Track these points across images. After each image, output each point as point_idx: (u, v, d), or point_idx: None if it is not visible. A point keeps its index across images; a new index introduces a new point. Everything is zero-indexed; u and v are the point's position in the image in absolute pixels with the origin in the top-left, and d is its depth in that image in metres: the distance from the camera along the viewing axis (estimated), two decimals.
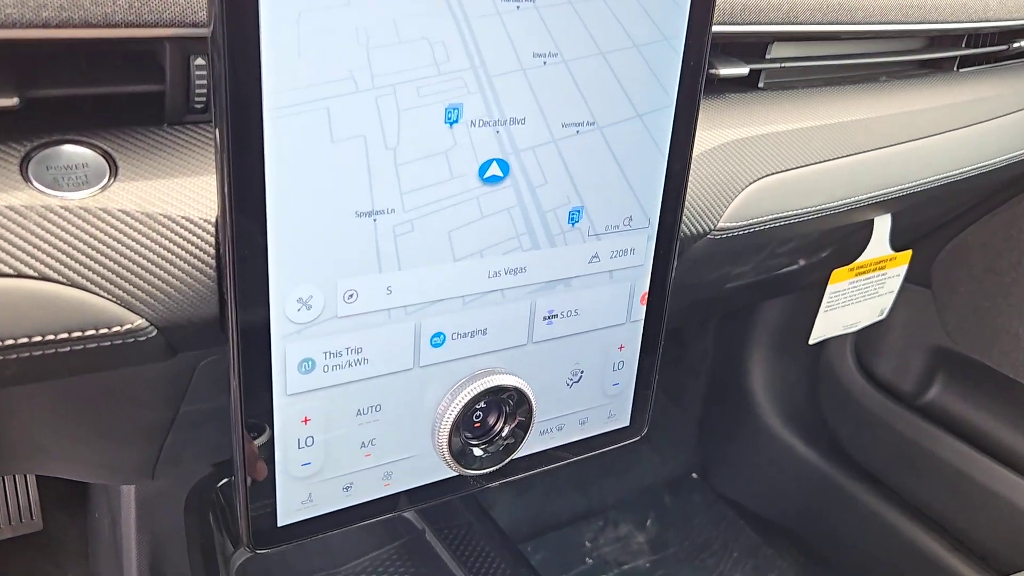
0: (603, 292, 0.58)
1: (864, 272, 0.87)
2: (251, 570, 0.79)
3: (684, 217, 0.58)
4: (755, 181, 0.64)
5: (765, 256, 0.81)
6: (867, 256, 0.85)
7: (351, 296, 0.48)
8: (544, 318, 0.57)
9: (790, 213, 0.67)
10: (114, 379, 0.56)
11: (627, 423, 0.65)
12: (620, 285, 0.59)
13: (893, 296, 0.91)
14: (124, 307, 0.43)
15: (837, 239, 0.86)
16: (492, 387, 0.54)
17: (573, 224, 0.55)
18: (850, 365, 1.34)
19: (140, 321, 0.44)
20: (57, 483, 1.20)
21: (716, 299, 0.93)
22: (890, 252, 0.87)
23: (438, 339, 0.53)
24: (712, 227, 0.62)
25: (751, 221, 0.64)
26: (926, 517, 1.26)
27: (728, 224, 0.63)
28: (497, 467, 0.58)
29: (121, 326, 0.43)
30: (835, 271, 0.84)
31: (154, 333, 0.44)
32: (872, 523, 1.30)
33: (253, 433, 0.49)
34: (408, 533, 0.83)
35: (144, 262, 0.43)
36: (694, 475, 1.54)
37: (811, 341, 0.89)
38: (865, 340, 1.34)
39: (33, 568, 1.16)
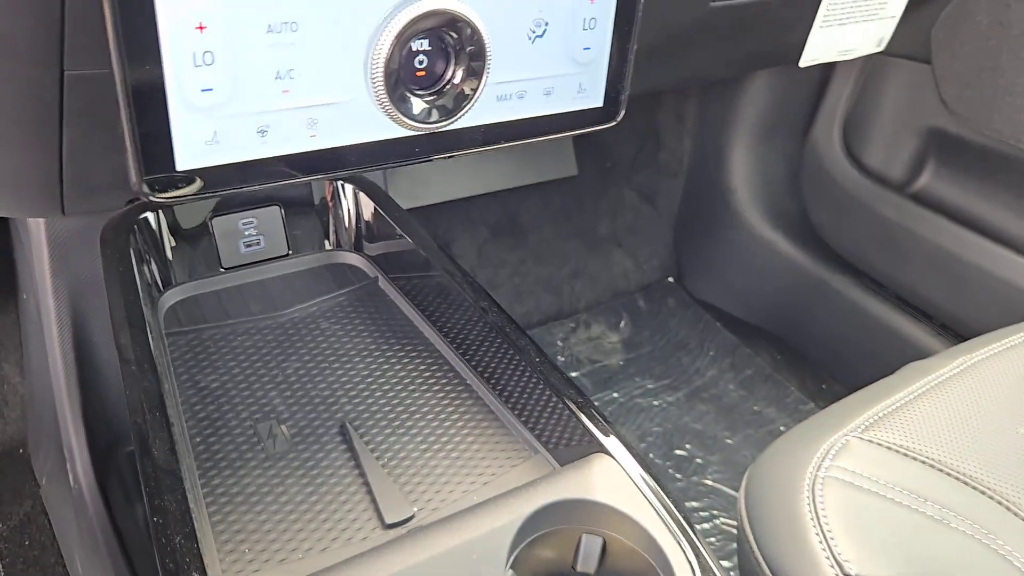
0: None
1: None
2: (181, 313, 0.71)
3: None
4: None
5: None
6: None
7: None
8: None
9: None
10: None
11: (600, 103, 0.56)
12: None
13: (894, 23, 0.82)
14: None
15: None
16: (432, 11, 0.45)
17: None
18: (837, 152, 1.26)
19: None
20: None
21: (695, 32, 0.82)
22: None
23: None
24: None
25: None
26: (909, 305, 1.21)
27: None
28: (447, 122, 0.49)
29: None
30: None
31: None
32: (853, 313, 1.26)
33: (132, 34, 0.39)
34: (359, 280, 0.75)
35: None
36: (670, 279, 1.49)
37: (802, 63, 0.81)
38: (854, 126, 1.26)
39: None
